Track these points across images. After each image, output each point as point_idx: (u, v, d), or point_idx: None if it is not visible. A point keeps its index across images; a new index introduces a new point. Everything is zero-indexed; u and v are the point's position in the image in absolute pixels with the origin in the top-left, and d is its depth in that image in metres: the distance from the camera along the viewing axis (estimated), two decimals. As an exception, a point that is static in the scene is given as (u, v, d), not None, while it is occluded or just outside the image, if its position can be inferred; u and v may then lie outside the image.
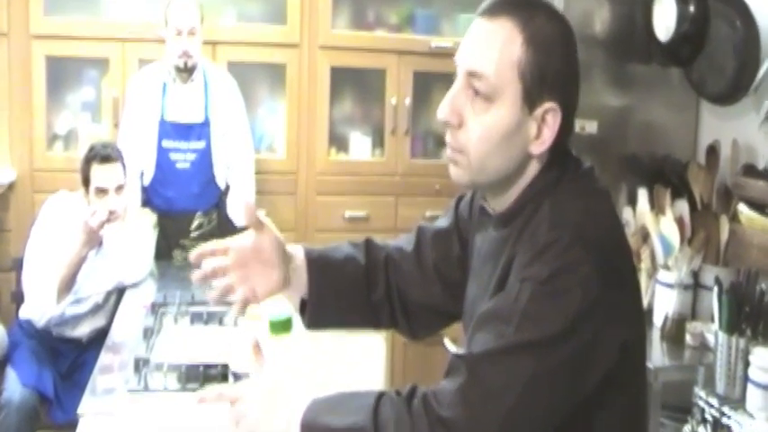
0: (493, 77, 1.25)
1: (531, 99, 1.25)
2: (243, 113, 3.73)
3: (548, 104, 1.25)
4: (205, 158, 3.60)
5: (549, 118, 1.26)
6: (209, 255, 1.44)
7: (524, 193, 1.31)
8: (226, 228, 3.66)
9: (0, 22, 3.67)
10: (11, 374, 2.97)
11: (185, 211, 3.60)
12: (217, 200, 3.68)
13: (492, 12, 1.28)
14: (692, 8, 2.86)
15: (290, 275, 1.48)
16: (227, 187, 3.70)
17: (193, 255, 1.44)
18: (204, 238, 3.60)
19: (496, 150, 1.27)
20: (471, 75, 1.27)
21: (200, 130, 3.58)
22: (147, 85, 3.57)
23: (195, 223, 3.61)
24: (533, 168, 1.30)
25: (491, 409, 1.17)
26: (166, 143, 3.55)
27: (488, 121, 1.27)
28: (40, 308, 2.99)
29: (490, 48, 1.26)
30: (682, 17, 2.86)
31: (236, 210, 3.70)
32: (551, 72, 1.25)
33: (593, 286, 1.17)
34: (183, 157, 3.57)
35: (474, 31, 1.29)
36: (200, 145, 3.58)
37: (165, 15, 3.47)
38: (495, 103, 1.26)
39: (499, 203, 1.35)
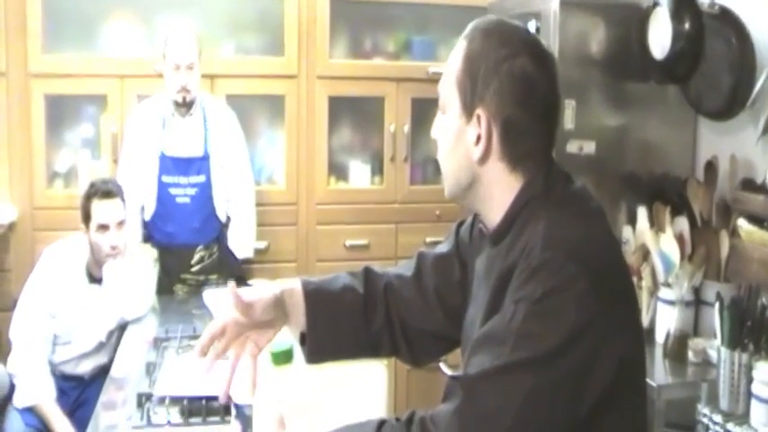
0: (442, 92, 1.37)
1: (467, 108, 1.32)
2: (242, 146, 3.73)
3: (479, 110, 1.30)
4: (205, 192, 3.59)
5: (481, 123, 1.30)
6: (210, 343, 1.44)
7: (511, 209, 1.32)
8: (227, 261, 3.67)
9: (-1, 61, 3.69)
10: (13, 414, 2.94)
11: (186, 246, 3.60)
12: (218, 233, 3.67)
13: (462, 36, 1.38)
14: (687, 26, 2.85)
15: (289, 311, 1.49)
16: (228, 220, 3.70)
17: (197, 351, 1.43)
18: (205, 271, 3.61)
19: (448, 157, 1.37)
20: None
21: (199, 164, 3.58)
22: (146, 119, 3.57)
23: (196, 257, 3.60)
24: (498, 181, 1.32)
25: (488, 431, 1.16)
26: (166, 178, 3.54)
27: (441, 131, 1.38)
28: (30, 391, 2.95)
29: (445, 68, 1.37)
30: (677, 35, 2.85)
31: (237, 242, 3.70)
32: (482, 79, 1.30)
33: (588, 303, 1.17)
34: (183, 191, 3.57)
35: None
36: (200, 179, 3.58)
37: (163, 50, 3.48)
38: (446, 114, 1.37)
39: (490, 222, 1.36)
